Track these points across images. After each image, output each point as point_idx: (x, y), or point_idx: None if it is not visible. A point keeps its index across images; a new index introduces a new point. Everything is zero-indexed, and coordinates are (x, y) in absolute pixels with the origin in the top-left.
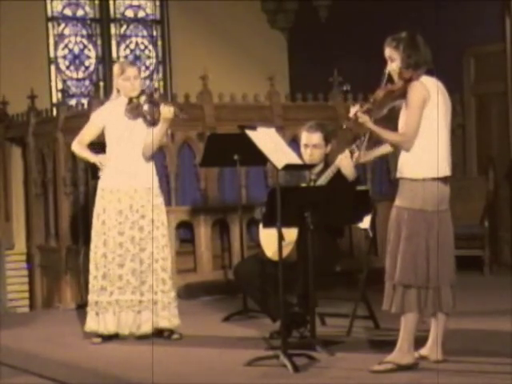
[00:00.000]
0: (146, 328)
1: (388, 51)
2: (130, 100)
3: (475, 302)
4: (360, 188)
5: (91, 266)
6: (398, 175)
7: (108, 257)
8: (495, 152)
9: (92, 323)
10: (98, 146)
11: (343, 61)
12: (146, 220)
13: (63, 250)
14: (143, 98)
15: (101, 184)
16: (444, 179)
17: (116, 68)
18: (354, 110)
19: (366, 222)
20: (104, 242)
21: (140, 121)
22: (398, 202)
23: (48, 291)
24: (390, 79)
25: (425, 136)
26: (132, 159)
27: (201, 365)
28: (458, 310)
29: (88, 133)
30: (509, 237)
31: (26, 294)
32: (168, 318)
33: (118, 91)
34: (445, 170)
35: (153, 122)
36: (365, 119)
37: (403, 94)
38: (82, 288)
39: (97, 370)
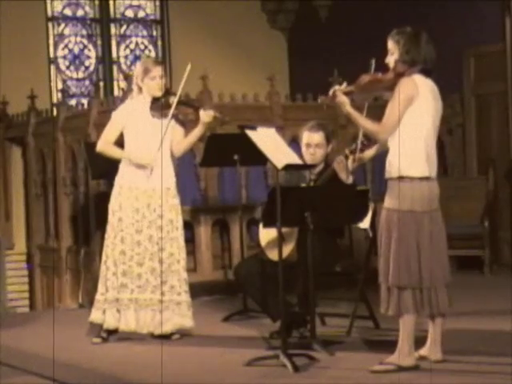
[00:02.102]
0: (167, 327)
1: (389, 43)
2: (155, 99)
3: (475, 302)
4: (360, 188)
5: (109, 263)
6: (387, 176)
7: (127, 254)
8: (495, 152)
9: (113, 320)
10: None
11: (343, 61)
12: (164, 220)
13: (63, 250)
14: (172, 99)
15: (119, 181)
16: (432, 179)
17: (140, 66)
18: (334, 88)
19: (366, 222)
20: (122, 239)
21: (164, 120)
22: (387, 203)
23: (48, 291)
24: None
25: (411, 136)
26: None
27: (201, 365)
28: (457, 310)
29: (111, 132)
30: (509, 237)
31: (26, 294)
32: (191, 318)
33: (140, 89)
34: (432, 170)
35: (184, 123)
36: (343, 100)
37: (391, 87)
38: (83, 287)
39: (97, 369)
